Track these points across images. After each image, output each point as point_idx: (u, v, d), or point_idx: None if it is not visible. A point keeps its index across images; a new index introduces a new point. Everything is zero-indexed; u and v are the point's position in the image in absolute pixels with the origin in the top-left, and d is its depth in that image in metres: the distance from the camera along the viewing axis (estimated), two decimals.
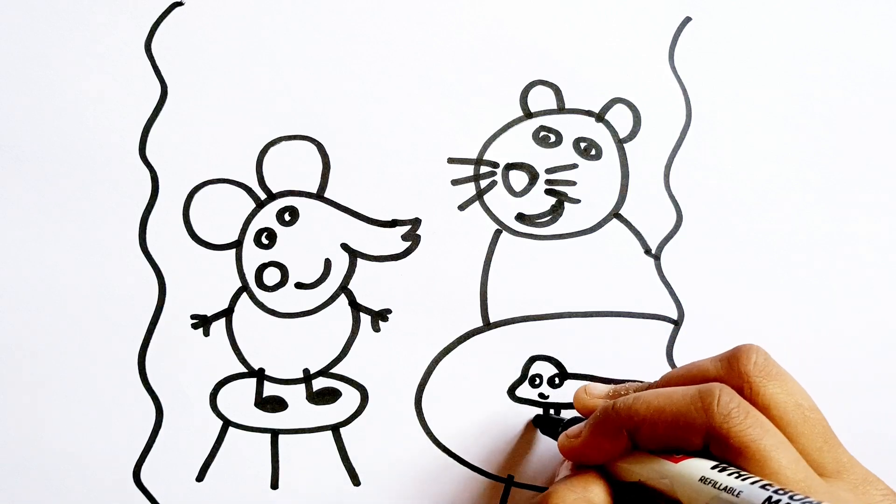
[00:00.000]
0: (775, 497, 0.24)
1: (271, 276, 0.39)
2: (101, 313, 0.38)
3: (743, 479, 0.26)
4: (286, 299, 0.39)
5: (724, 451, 0.27)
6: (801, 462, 0.27)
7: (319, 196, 0.39)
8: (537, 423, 0.38)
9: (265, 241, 0.39)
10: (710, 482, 0.26)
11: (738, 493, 0.25)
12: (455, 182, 0.39)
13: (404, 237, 0.39)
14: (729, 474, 0.26)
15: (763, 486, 0.25)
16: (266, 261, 0.39)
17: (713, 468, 0.27)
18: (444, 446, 0.38)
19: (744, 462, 0.27)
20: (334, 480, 0.38)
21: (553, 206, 0.39)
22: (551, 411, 0.39)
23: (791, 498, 0.24)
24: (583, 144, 0.40)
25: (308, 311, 0.39)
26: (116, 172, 0.38)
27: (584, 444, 0.31)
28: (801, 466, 0.27)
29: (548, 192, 0.40)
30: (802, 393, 0.29)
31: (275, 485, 0.38)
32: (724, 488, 0.26)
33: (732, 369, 0.30)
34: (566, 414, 0.38)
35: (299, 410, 0.38)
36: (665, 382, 0.33)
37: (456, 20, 0.40)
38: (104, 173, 0.38)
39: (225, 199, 0.39)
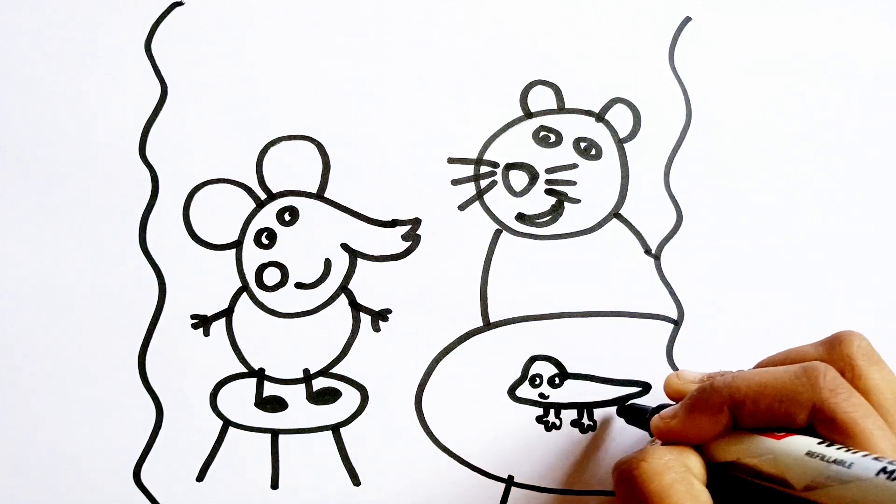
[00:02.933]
0: (891, 467, 0.24)
1: (271, 276, 0.39)
2: (101, 313, 0.38)
3: (853, 453, 0.26)
4: (286, 299, 0.39)
5: (830, 428, 0.27)
6: None
7: (319, 196, 0.39)
8: (622, 413, 0.38)
9: (265, 241, 0.39)
10: (817, 456, 0.26)
11: (850, 465, 0.25)
12: (455, 182, 0.39)
13: (404, 237, 0.39)
14: (837, 448, 0.26)
15: (875, 459, 0.25)
16: (266, 261, 0.39)
17: (819, 443, 0.27)
18: (444, 446, 0.38)
19: (848, 440, 0.27)
20: (334, 480, 0.38)
21: (553, 206, 0.39)
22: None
23: None
24: (583, 144, 0.40)
25: (308, 311, 0.39)
26: (116, 172, 0.38)
27: (682, 422, 0.31)
28: None
29: (548, 192, 0.40)
30: None
31: (275, 485, 0.38)
32: (835, 461, 0.26)
33: (835, 352, 0.30)
34: (566, 414, 0.38)
35: (299, 410, 0.38)
36: (763, 365, 0.33)
37: (456, 20, 0.40)
38: (104, 173, 0.38)
39: (225, 199, 0.39)
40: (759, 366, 0.33)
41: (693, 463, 0.30)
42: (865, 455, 0.26)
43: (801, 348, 0.32)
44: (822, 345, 0.31)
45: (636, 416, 0.36)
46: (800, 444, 0.27)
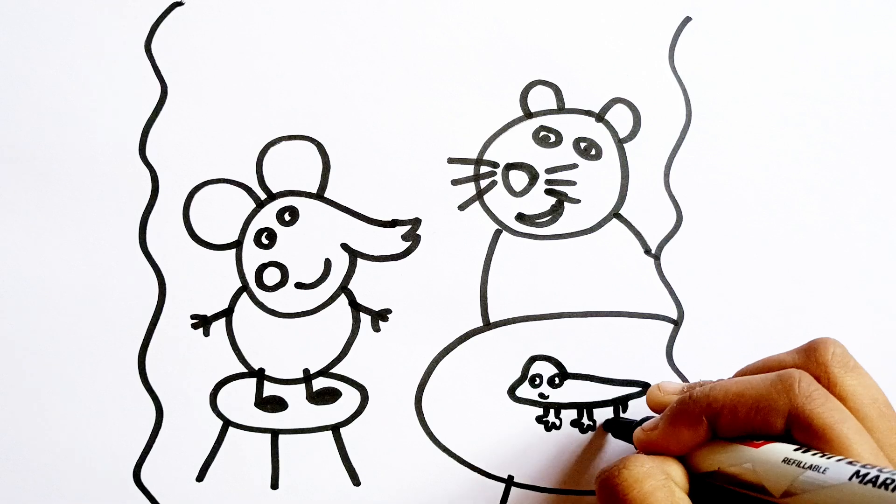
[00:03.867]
0: (863, 471, 0.25)
1: (271, 276, 0.39)
2: (101, 313, 0.38)
3: (828, 458, 0.26)
4: (286, 299, 0.39)
5: (807, 433, 0.28)
6: (880, 453, 0.27)
7: (319, 196, 0.39)
8: (608, 427, 0.38)
9: (265, 241, 0.39)
10: (794, 462, 0.27)
11: (825, 470, 0.26)
12: (455, 182, 0.39)
13: (404, 237, 0.39)
14: (813, 454, 0.27)
15: (849, 463, 0.25)
16: (266, 261, 0.39)
17: (796, 450, 0.27)
18: (444, 446, 0.38)
19: (825, 445, 0.27)
20: (334, 480, 0.38)
21: (553, 206, 0.39)
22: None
23: (880, 471, 0.24)
24: (583, 144, 0.40)
25: (308, 311, 0.39)
26: (116, 172, 0.38)
27: (663, 434, 0.31)
28: (881, 456, 0.27)
29: (548, 192, 0.40)
30: (877, 388, 0.30)
31: (275, 485, 0.38)
32: (810, 466, 0.26)
33: (810, 359, 0.30)
34: (566, 414, 0.38)
35: (299, 410, 0.38)
36: (741, 374, 0.33)
37: (456, 20, 0.40)
38: (104, 173, 0.38)
39: (225, 199, 0.39)
40: (737, 375, 0.33)
41: (674, 471, 0.30)
42: (840, 460, 0.26)
43: (777, 356, 0.32)
44: (797, 352, 0.31)
45: (622, 429, 0.37)
46: (777, 452, 0.28)
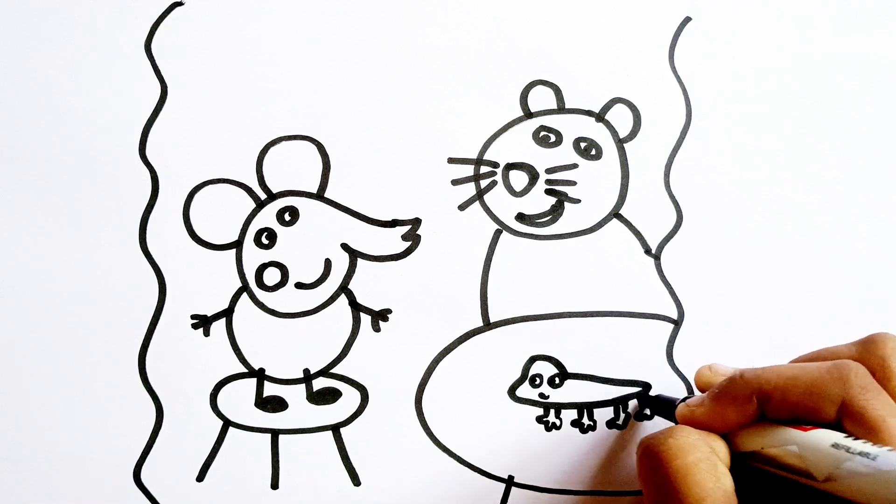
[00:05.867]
0: None
1: (271, 276, 0.39)
2: (101, 313, 0.38)
3: (878, 447, 0.26)
4: (286, 299, 0.39)
5: (858, 425, 0.28)
6: None
7: (319, 196, 0.39)
8: (650, 404, 0.38)
9: (265, 241, 0.39)
10: (842, 448, 0.27)
11: (875, 458, 0.25)
12: (455, 182, 0.39)
13: (404, 237, 0.39)
14: (863, 443, 0.27)
15: None
16: (266, 261, 0.39)
17: (846, 437, 0.27)
18: (444, 446, 0.38)
19: (874, 438, 0.27)
20: (334, 480, 0.38)
21: (553, 206, 0.39)
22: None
23: None
24: (583, 144, 0.40)
25: (308, 311, 0.39)
26: (116, 172, 0.38)
27: (709, 410, 0.31)
28: None
29: (548, 192, 0.40)
30: None
31: (275, 485, 0.38)
32: (860, 453, 0.26)
33: (868, 353, 0.31)
34: (566, 414, 0.38)
35: (299, 410, 0.38)
36: (795, 362, 0.33)
37: (456, 20, 0.40)
38: (104, 173, 0.38)
39: (225, 199, 0.39)
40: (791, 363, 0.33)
41: (718, 447, 0.30)
42: (891, 450, 0.26)
43: (833, 347, 0.32)
44: (854, 345, 0.32)
45: (664, 407, 0.37)
46: (826, 436, 0.28)
